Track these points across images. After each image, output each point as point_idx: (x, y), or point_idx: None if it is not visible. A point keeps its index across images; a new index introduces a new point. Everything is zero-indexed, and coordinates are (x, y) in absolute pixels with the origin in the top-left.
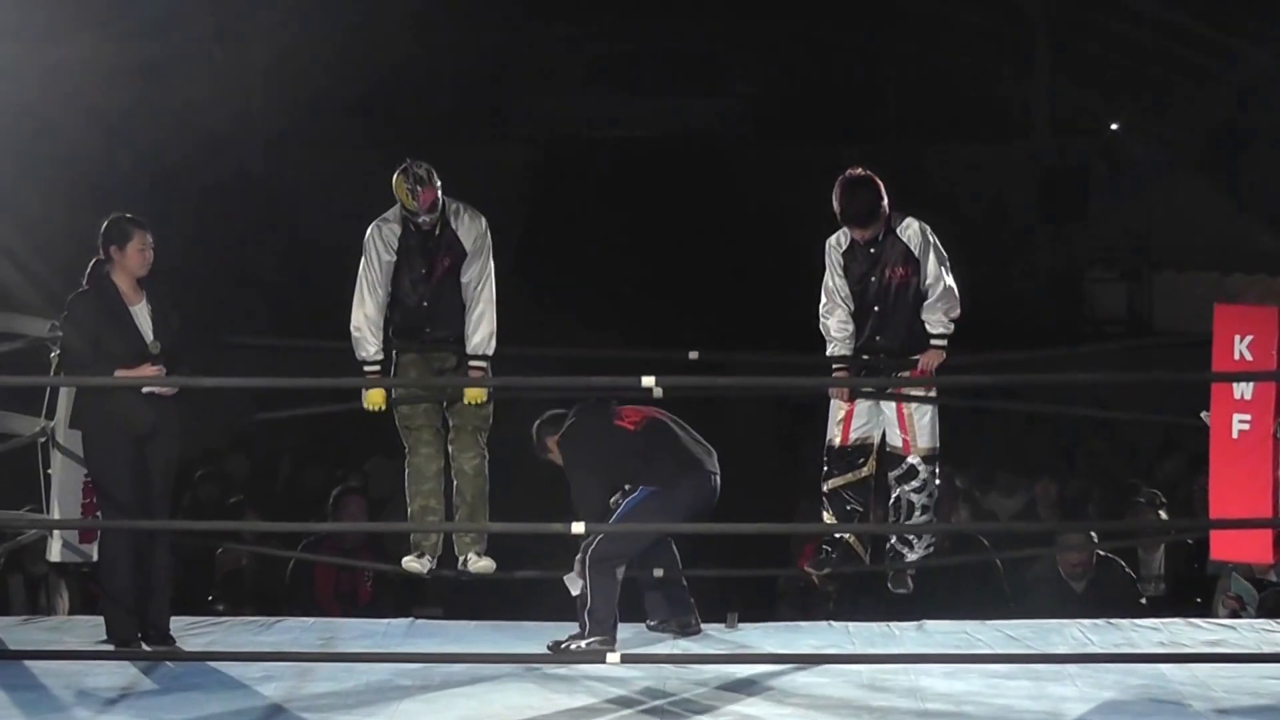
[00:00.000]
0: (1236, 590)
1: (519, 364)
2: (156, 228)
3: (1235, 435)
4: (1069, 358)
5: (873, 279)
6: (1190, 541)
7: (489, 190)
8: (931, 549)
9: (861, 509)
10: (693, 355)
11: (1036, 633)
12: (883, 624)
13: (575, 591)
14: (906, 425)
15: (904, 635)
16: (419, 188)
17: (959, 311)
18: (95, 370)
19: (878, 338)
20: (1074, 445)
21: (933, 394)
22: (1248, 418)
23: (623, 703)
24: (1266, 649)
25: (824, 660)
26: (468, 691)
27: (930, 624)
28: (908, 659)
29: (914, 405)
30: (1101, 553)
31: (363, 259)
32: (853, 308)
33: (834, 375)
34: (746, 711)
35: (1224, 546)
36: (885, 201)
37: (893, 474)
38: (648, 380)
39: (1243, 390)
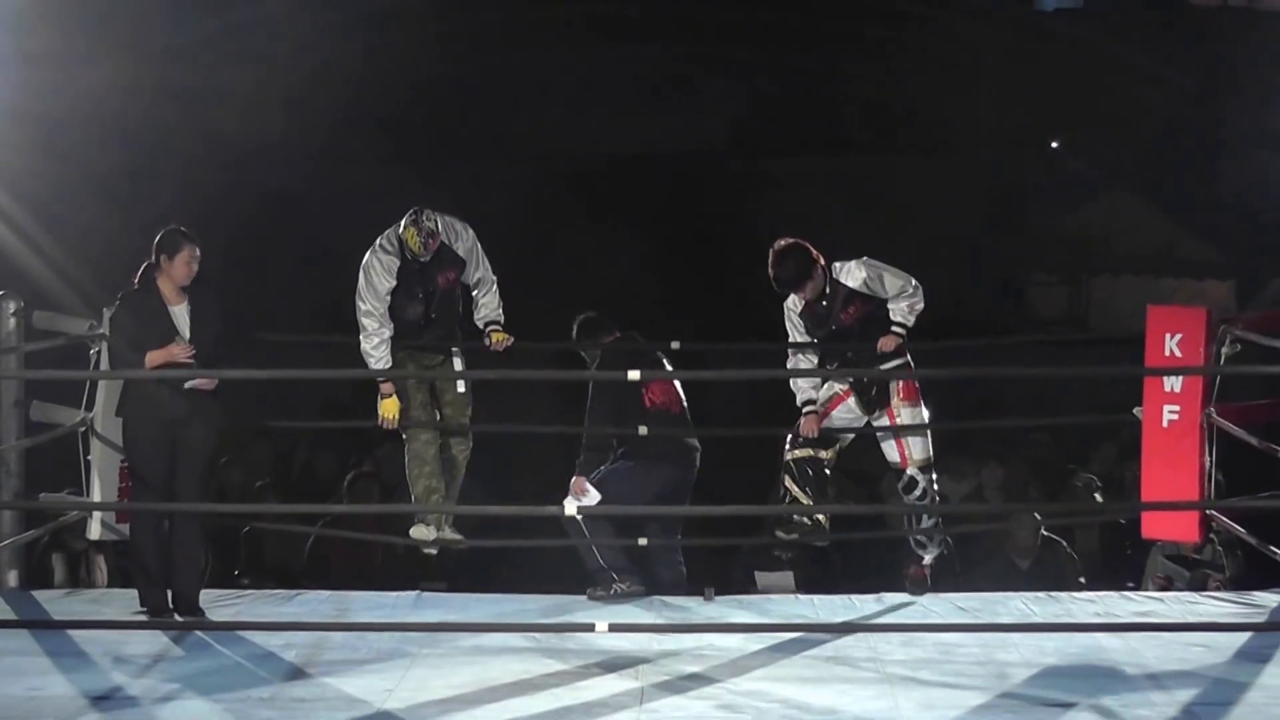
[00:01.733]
0: (1165, 571)
1: (516, 356)
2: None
3: (1166, 424)
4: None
5: (833, 326)
6: (1123, 522)
7: (486, 202)
8: (944, 549)
9: (816, 479)
10: (675, 345)
11: (984, 605)
12: (845, 596)
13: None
14: (901, 441)
15: (864, 606)
16: (430, 240)
17: (922, 305)
18: (133, 361)
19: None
20: (1018, 435)
21: (919, 421)
22: (1177, 408)
23: (609, 666)
24: (1192, 619)
25: (792, 629)
26: (470, 658)
27: (888, 596)
28: (868, 628)
29: (905, 427)
30: (1046, 533)
31: (364, 287)
32: (817, 358)
33: (804, 420)
34: (721, 676)
35: (1155, 526)
36: (818, 261)
37: (898, 486)
38: (633, 374)
39: (1173, 383)
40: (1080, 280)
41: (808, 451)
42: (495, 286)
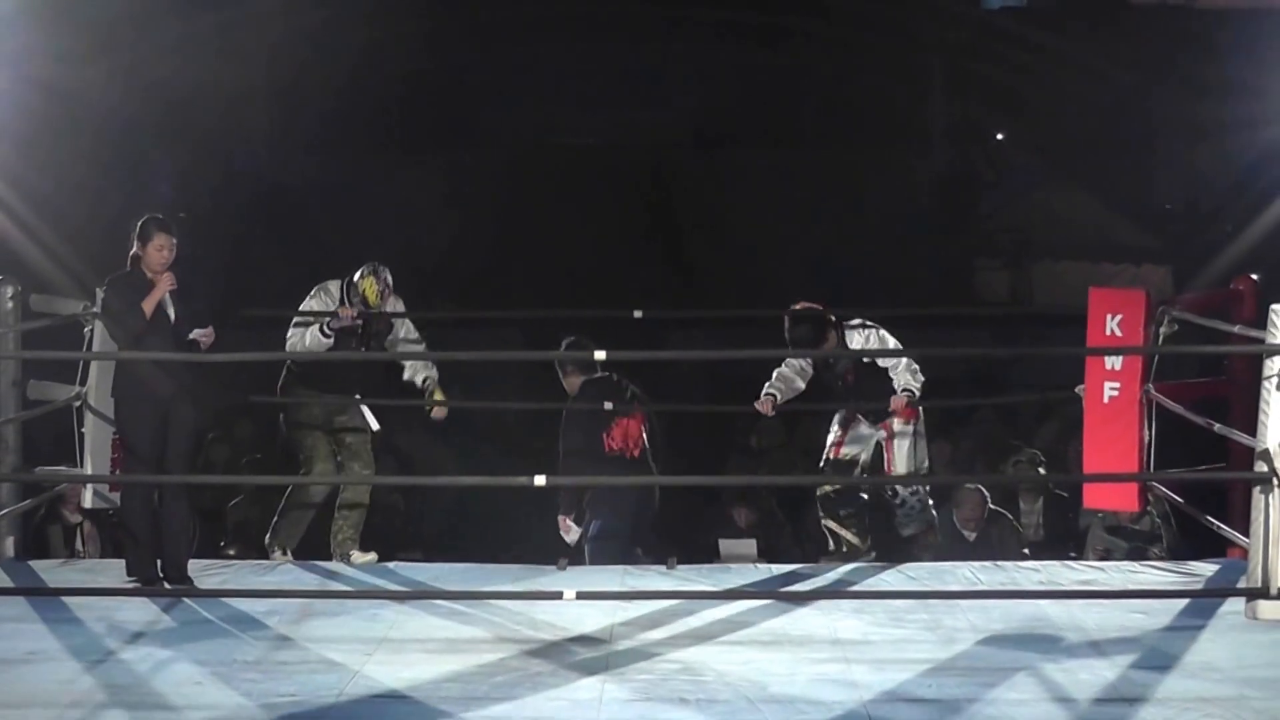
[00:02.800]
0: (1104, 543)
1: (493, 324)
2: (173, 221)
3: (1106, 400)
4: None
5: (839, 384)
6: (1065, 495)
7: (464, 190)
8: (926, 528)
9: (853, 511)
10: (637, 314)
11: (933, 574)
12: (801, 565)
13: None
14: (890, 451)
15: (819, 574)
16: (386, 291)
17: (922, 378)
18: (132, 319)
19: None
20: (965, 413)
21: (910, 428)
22: (1117, 385)
23: (576, 629)
24: (1131, 587)
25: (750, 596)
26: (444, 624)
27: (842, 565)
28: (822, 595)
29: (895, 436)
30: (992, 507)
31: (306, 332)
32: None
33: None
34: (684, 641)
35: (1096, 496)
36: (830, 325)
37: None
38: (599, 354)
39: (1113, 362)
40: (1024, 265)
41: (835, 486)
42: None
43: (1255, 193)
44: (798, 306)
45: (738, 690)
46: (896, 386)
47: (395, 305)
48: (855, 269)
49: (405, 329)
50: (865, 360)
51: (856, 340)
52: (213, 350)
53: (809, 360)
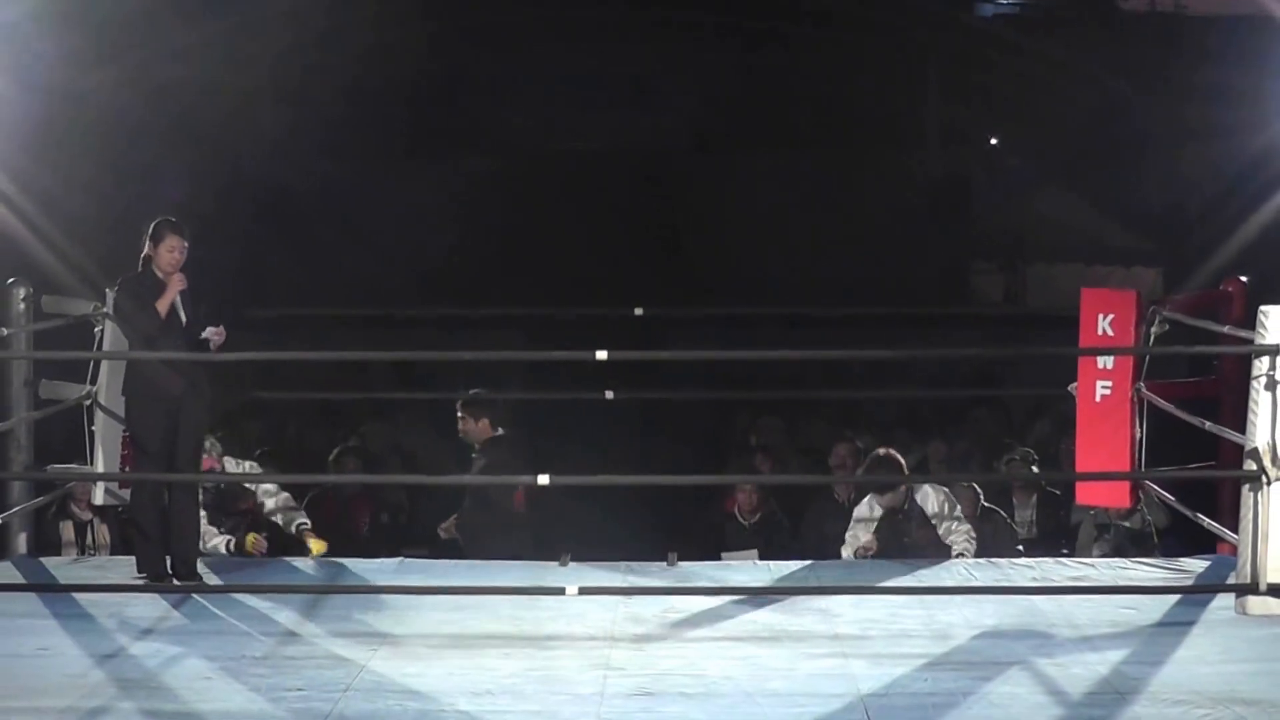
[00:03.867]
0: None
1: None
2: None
3: (1098, 399)
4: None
5: (905, 539)
6: (1058, 493)
7: (465, 193)
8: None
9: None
10: (638, 311)
11: (928, 570)
12: (799, 562)
13: None
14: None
15: (817, 571)
16: None
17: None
18: (145, 319)
19: None
20: (961, 412)
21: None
22: (1109, 384)
23: (579, 624)
24: (1122, 583)
25: (750, 592)
26: (450, 619)
27: (838, 562)
28: (821, 590)
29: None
30: (985, 504)
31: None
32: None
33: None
34: (685, 636)
35: (1089, 493)
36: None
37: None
38: (601, 354)
39: (1105, 361)
40: (1018, 267)
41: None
42: None
43: (1244, 196)
44: (881, 452)
45: (737, 685)
46: (954, 549)
47: None
48: (851, 270)
49: None
50: (932, 520)
51: (932, 502)
52: (222, 350)
53: (875, 507)
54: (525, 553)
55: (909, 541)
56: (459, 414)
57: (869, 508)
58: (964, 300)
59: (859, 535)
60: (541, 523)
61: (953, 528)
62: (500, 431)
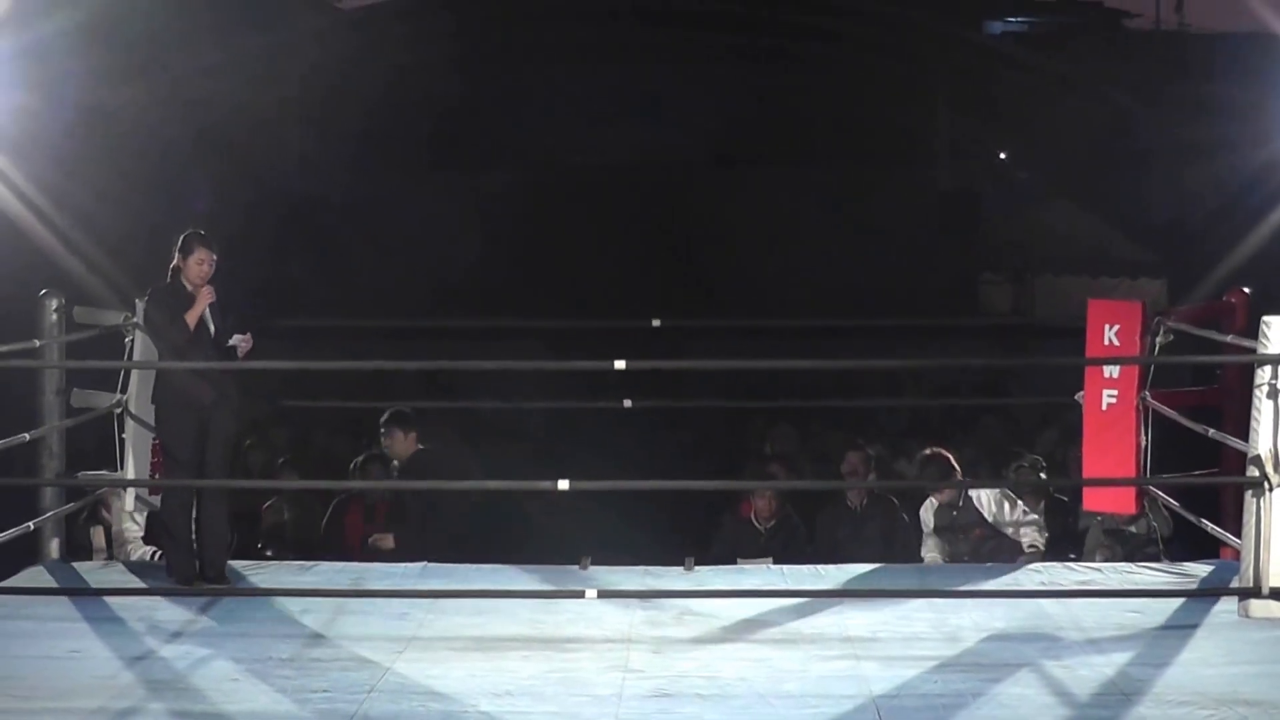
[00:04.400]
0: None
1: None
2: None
3: (1104, 408)
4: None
5: (961, 537)
6: (1065, 499)
7: (486, 206)
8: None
9: None
10: (655, 322)
11: (938, 574)
12: (812, 566)
13: None
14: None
15: (829, 575)
16: None
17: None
18: (174, 331)
19: None
20: (970, 420)
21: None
22: (1115, 393)
23: (598, 627)
24: (1128, 587)
25: (764, 595)
26: (472, 622)
27: (850, 567)
28: (833, 594)
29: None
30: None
31: None
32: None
33: None
34: (700, 637)
35: (1095, 500)
36: (956, 471)
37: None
38: (619, 363)
39: (1111, 370)
40: (1026, 279)
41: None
42: None
43: (1247, 209)
44: (928, 451)
45: (752, 686)
46: (1023, 543)
47: None
48: (864, 282)
49: None
50: (990, 519)
51: (986, 498)
52: (249, 359)
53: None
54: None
55: (975, 543)
56: (381, 430)
57: (931, 514)
58: (973, 311)
59: (932, 548)
60: (561, 527)
61: (1020, 522)
62: (422, 447)
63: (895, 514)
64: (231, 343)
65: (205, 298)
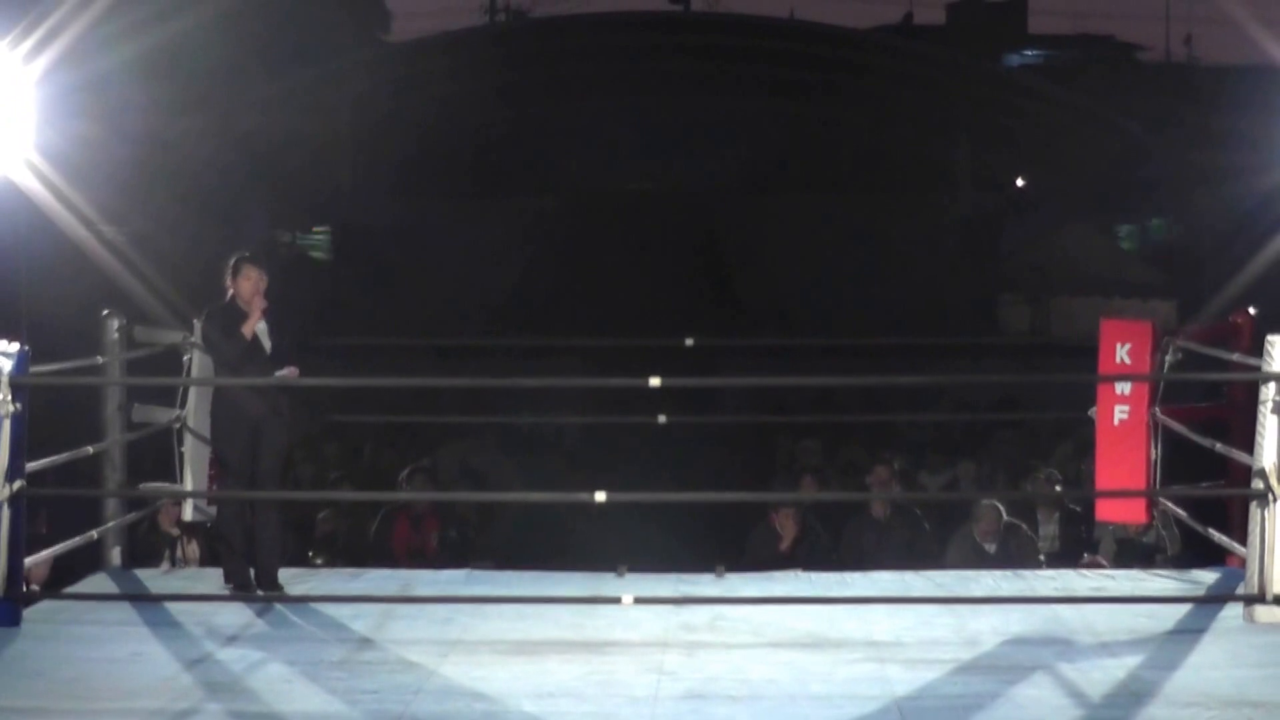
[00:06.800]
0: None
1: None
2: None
3: (1116, 422)
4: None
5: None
6: (1079, 510)
7: (529, 231)
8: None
9: None
10: (689, 341)
11: (958, 581)
12: (838, 573)
13: None
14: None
15: (854, 582)
16: None
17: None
18: (229, 346)
19: None
20: (988, 435)
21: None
22: (1127, 408)
23: (634, 631)
24: (1139, 594)
25: (793, 602)
26: (514, 626)
27: (874, 574)
28: (858, 600)
29: None
30: (1008, 519)
31: None
32: None
33: None
34: (731, 642)
35: (1108, 510)
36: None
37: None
38: (654, 380)
39: (1123, 386)
40: (1042, 300)
41: None
42: None
43: (1253, 234)
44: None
45: (781, 688)
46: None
47: None
48: (888, 303)
49: None
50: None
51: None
52: (302, 378)
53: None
54: None
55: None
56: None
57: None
58: (992, 331)
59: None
60: (599, 537)
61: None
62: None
63: (918, 524)
64: (280, 374)
65: (258, 306)
